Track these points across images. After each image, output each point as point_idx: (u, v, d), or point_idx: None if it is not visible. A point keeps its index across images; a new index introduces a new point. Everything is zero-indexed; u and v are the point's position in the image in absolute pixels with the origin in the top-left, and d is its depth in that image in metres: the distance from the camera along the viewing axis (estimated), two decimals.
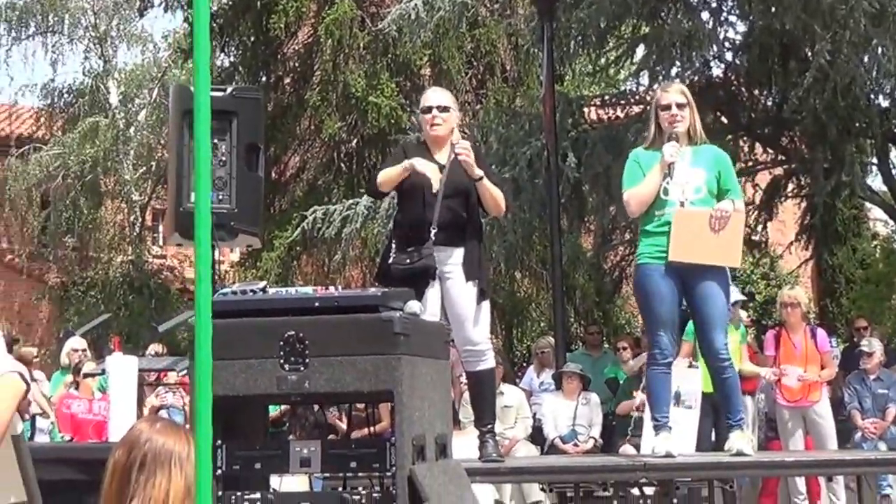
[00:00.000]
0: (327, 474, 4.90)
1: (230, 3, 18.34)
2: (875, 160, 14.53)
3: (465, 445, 6.78)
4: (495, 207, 6.55)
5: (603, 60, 14.88)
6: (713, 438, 9.25)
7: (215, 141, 7.08)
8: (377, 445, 4.48)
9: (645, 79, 13.85)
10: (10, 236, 25.41)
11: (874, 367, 10.52)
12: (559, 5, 12.56)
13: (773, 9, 12.08)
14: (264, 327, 4.34)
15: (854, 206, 19.70)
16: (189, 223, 7.00)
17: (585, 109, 14.72)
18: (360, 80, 17.42)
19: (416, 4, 14.22)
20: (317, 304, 4.44)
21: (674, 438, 6.84)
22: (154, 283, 22.97)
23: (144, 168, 24.39)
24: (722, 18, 13.41)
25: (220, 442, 4.40)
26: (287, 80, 19.16)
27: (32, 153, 23.77)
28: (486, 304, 6.57)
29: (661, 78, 12.64)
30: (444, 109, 6.56)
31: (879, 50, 12.01)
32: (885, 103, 13.48)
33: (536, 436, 10.45)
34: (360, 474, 4.54)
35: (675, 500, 6.99)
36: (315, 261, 18.35)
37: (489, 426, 6.63)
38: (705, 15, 13.12)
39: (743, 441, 6.64)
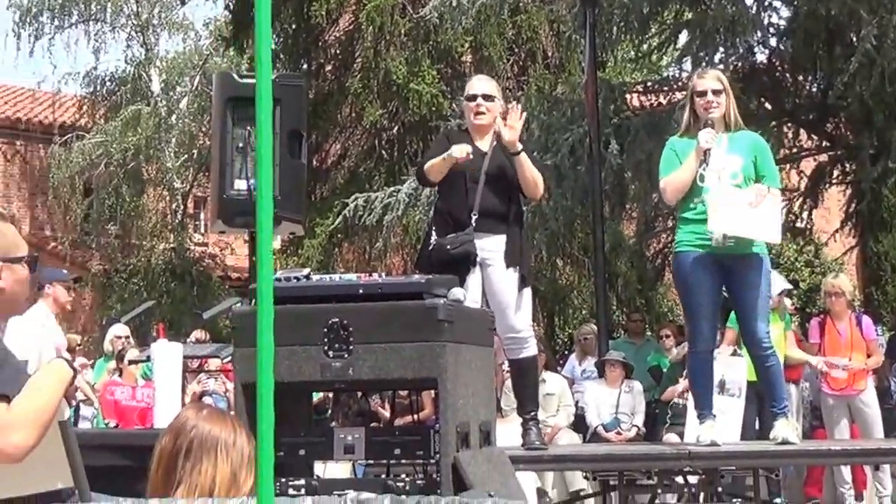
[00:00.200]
0: (370, 461, 4.89)
1: None
2: None
3: (507, 433, 6.76)
4: (533, 186, 6.48)
5: (645, 46, 14.80)
6: (757, 427, 9.20)
7: None
8: (421, 433, 4.47)
9: (688, 65, 13.78)
10: (53, 224, 25.61)
11: None
12: None
13: None
14: (308, 314, 4.33)
15: None
16: (232, 210, 7.01)
17: (628, 96, 14.65)
18: (401, 66, 17.39)
19: None
20: (361, 290, 4.43)
21: (718, 427, 6.80)
22: (196, 271, 23.08)
23: (186, 156, 24.49)
24: (766, 3, 13.29)
25: None
26: (328, 68, 19.16)
27: (75, 141, 23.93)
28: (528, 291, 6.53)
29: (704, 64, 12.54)
30: (489, 98, 6.53)
31: None
32: None
33: (579, 424, 10.42)
34: (403, 461, 4.54)
35: (719, 489, 6.97)
36: (356, 248, 18.36)
37: (532, 414, 6.61)
38: (749, 0, 13.01)
39: (788, 429, 6.60)
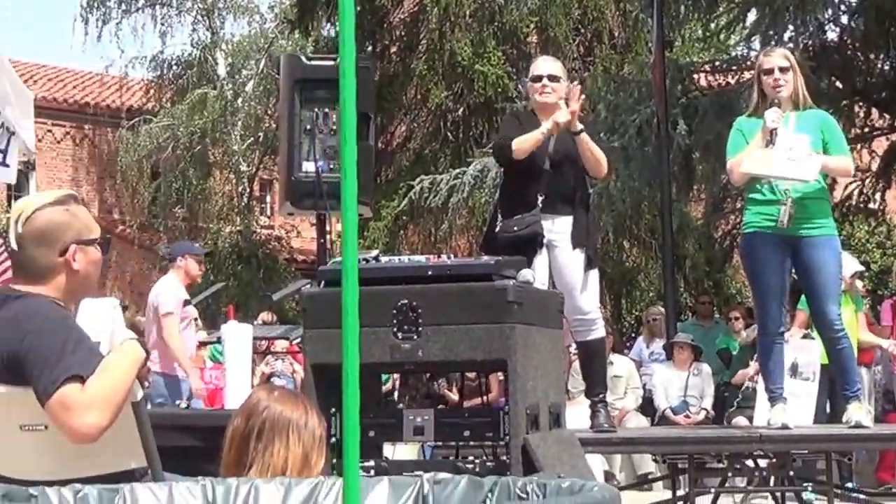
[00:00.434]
0: (439, 443, 4.88)
1: None
2: None
3: (575, 416, 6.72)
4: (596, 165, 6.42)
5: (713, 25, 14.66)
6: (828, 410, 9.09)
7: (326, 110, 7.11)
8: (490, 414, 4.46)
9: (757, 44, 13.61)
10: (121, 207, 25.89)
11: None
12: None
13: None
14: (377, 296, 4.32)
15: None
16: (300, 192, 7.04)
17: (695, 76, 14.51)
18: (466, 48, 17.35)
19: None
20: (430, 272, 4.42)
21: (789, 410, 6.72)
22: (262, 253, 23.19)
23: (252, 139, 24.61)
24: None
25: (334, 410, 4.40)
26: (393, 50, 19.16)
27: (142, 125, 24.13)
28: (595, 273, 6.49)
29: (773, 42, 12.39)
30: (555, 79, 6.48)
31: None
32: None
33: (646, 406, 10.37)
34: (472, 443, 4.53)
35: (790, 473, 6.89)
36: (421, 230, 18.39)
37: (600, 396, 6.58)
38: None
39: (861, 413, 6.50)
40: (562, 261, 6.34)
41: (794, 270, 6.54)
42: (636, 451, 8.35)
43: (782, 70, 6.49)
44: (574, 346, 7.31)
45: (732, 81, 14.77)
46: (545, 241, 6.25)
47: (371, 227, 17.11)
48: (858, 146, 14.25)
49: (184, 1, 25.30)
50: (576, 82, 6.68)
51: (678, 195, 14.06)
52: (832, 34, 13.84)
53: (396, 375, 9.84)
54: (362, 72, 7.26)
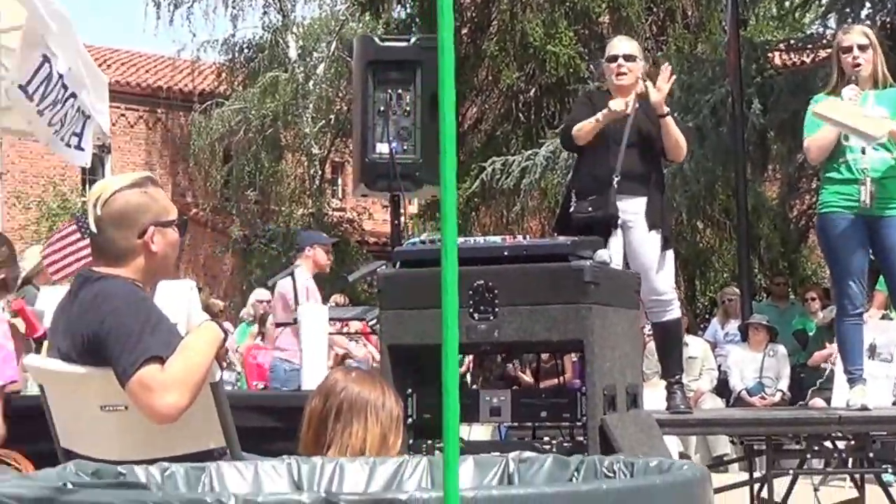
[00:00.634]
0: (515, 423, 4.87)
1: None
2: None
3: (650, 397, 6.68)
4: (677, 149, 6.37)
5: (788, 3, 14.49)
6: None
7: (399, 91, 7.10)
8: (567, 395, 4.44)
9: (832, 22, 13.43)
10: (194, 190, 26.09)
11: None
12: None
13: None
14: None
15: None
16: (374, 173, 7.04)
17: (770, 55, 14.32)
18: (537, 28, 17.26)
19: None
20: (505, 253, 4.40)
21: (869, 391, 6.62)
22: (334, 235, 23.25)
23: (323, 121, 24.67)
24: None
25: (410, 391, 4.41)
26: (464, 31, 19.09)
27: (215, 108, 24.27)
28: (670, 253, 6.43)
29: (849, 20, 12.22)
30: (630, 59, 6.41)
31: None
32: None
33: (721, 388, 10.28)
34: (548, 424, 4.51)
35: (870, 454, 6.79)
36: (493, 212, 18.34)
37: (677, 377, 6.52)
38: None
39: None
40: (637, 242, 6.29)
41: (871, 251, 6.44)
42: (714, 432, 8.29)
43: (861, 48, 6.38)
44: (649, 327, 7.26)
45: (808, 60, 14.61)
46: (620, 221, 6.21)
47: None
48: None
49: None
50: (665, 64, 6.61)
51: (753, 175, 13.92)
52: None
53: (469, 358, 9.83)
54: (436, 53, 7.27)
